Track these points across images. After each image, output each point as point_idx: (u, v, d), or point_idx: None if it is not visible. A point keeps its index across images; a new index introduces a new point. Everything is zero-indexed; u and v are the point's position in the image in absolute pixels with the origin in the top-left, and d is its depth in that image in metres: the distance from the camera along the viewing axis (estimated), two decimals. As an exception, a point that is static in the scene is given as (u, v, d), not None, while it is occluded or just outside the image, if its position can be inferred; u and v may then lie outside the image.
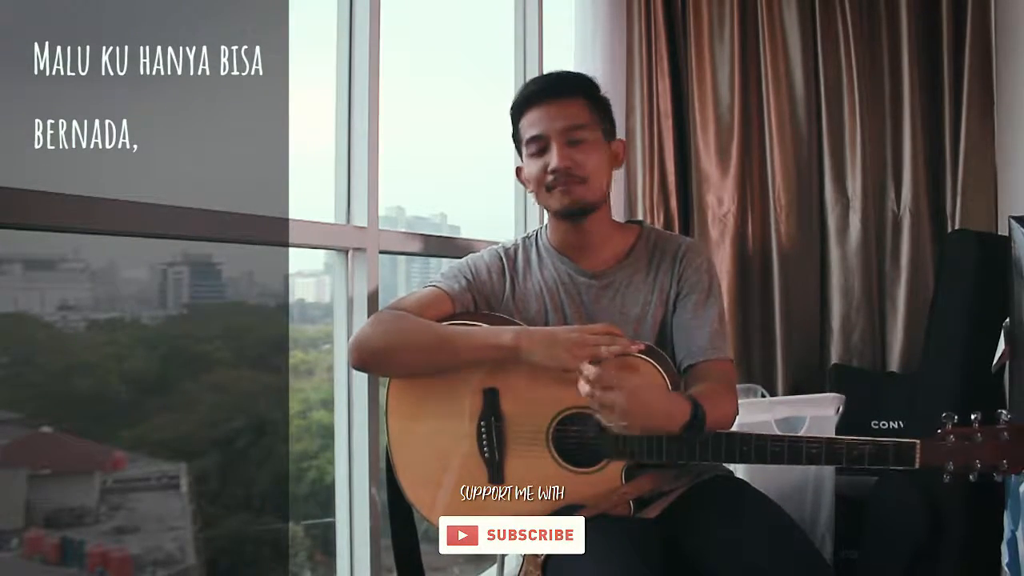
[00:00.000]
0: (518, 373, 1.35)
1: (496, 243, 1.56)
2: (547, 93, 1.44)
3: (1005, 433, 1.24)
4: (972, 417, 1.25)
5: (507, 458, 1.37)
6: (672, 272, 1.45)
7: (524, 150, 1.46)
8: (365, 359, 1.41)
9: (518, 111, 1.46)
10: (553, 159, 1.40)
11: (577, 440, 1.35)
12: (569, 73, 1.52)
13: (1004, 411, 1.25)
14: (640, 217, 2.56)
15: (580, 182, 1.41)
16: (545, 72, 1.53)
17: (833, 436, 1.32)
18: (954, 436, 1.25)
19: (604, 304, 1.45)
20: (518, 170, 1.52)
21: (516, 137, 1.48)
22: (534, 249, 1.51)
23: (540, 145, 1.42)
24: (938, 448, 1.25)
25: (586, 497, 1.33)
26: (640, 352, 1.32)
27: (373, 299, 1.66)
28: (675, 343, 1.44)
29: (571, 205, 1.42)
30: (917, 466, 1.25)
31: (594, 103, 1.45)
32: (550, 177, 1.41)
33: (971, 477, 1.25)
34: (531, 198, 1.52)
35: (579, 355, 1.29)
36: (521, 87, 1.50)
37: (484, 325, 1.39)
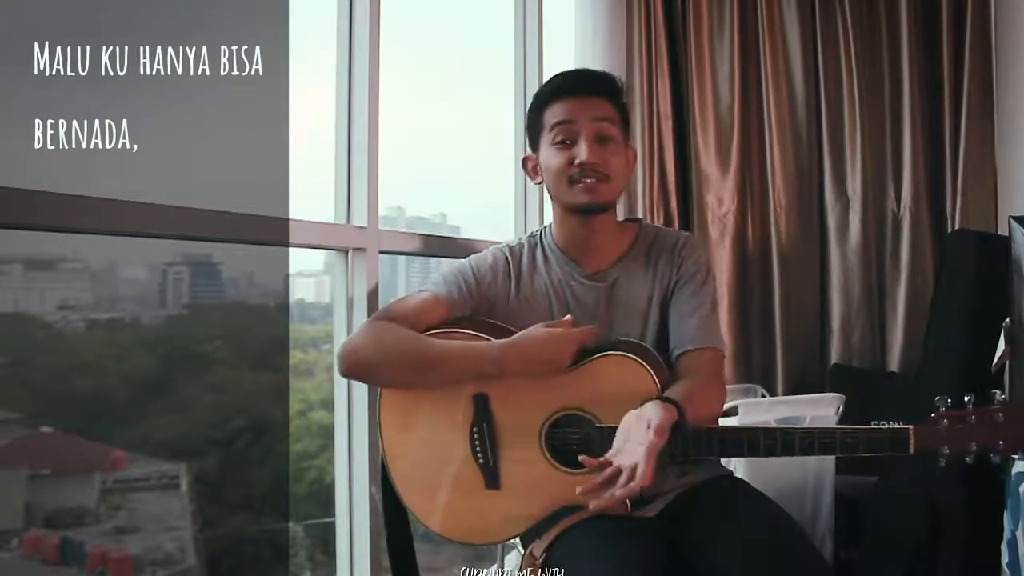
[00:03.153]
0: (507, 378, 1.34)
1: (496, 243, 1.55)
2: (578, 88, 1.43)
3: (1000, 414, 1.23)
4: (966, 399, 1.24)
5: (502, 462, 1.36)
6: (671, 264, 1.46)
7: (546, 138, 1.43)
8: (353, 369, 1.41)
9: (544, 101, 1.44)
10: (582, 152, 1.39)
11: (570, 441, 1.34)
12: (600, 71, 1.50)
13: (998, 391, 1.24)
14: (640, 217, 2.56)
15: (605, 180, 1.40)
16: (571, 69, 1.48)
17: (826, 426, 1.31)
18: (948, 420, 1.23)
19: (609, 303, 1.45)
20: (525, 160, 1.50)
21: (534, 126, 1.46)
22: (539, 249, 1.50)
23: (568, 135, 1.40)
24: (932, 433, 1.24)
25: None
26: (628, 351, 1.33)
27: (373, 299, 1.66)
28: (669, 331, 1.44)
29: (591, 203, 1.41)
30: (912, 451, 1.24)
31: (619, 106, 1.45)
32: (576, 170, 1.40)
33: (967, 459, 1.24)
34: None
35: (565, 350, 1.32)
36: (549, 79, 1.48)
37: (474, 333, 1.38)
